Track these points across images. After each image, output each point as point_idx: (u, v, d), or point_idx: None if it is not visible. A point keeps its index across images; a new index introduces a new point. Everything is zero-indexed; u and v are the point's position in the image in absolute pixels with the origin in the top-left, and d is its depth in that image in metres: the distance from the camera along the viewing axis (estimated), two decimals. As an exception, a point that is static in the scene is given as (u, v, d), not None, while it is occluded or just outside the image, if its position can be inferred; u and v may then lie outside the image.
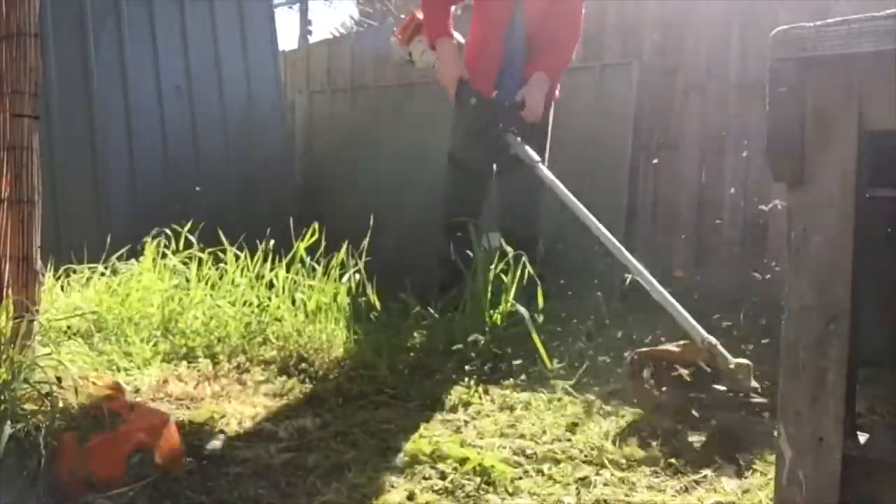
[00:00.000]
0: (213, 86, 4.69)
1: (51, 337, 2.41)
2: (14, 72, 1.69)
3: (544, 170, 2.87)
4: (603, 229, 2.48)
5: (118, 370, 2.34)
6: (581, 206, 2.58)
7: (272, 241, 3.10)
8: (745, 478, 1.64)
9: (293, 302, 2.88)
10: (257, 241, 3.13)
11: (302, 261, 2.98)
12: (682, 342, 2.00)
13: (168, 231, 3.12)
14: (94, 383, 1.58)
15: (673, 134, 4.05)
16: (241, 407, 2.08)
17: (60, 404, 1.46)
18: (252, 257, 3.05)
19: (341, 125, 5.41)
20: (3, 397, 1.46)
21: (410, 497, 1.51)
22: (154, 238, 3.07)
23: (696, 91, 3.98)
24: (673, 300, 2.13)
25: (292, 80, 5.84)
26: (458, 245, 3.12)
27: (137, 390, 2.17)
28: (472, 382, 2.28)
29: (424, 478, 1.59)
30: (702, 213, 3.93)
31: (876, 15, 0.96)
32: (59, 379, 1.53)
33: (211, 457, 1.71)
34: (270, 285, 2.97)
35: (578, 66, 4.32)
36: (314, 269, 2.99)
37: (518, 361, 2.48)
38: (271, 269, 3.00)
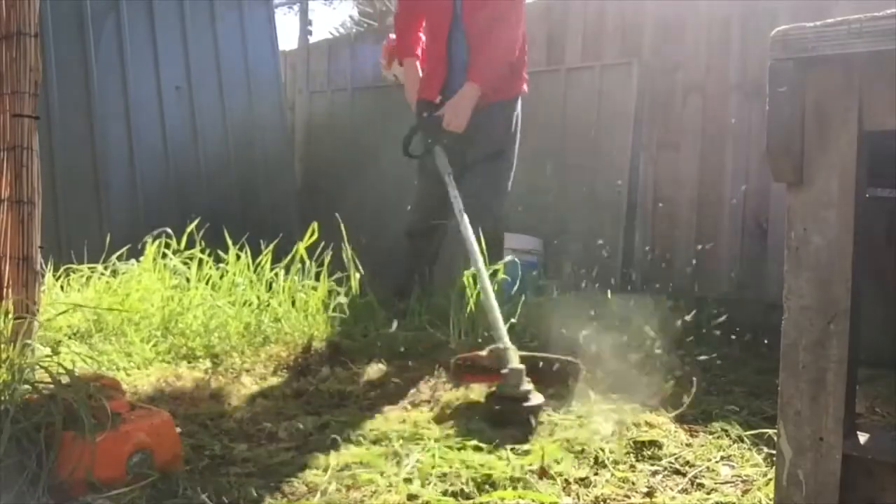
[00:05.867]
0: (213, 86, 4.70)
1: (51, 337, 2.41)
2: (14, 72, 1.69)
3: (450, 182, 2.85)
4: (475, 246, 2.55)
5: (118, 370, 2.34)
6: (468, 224, 2.62)
7: (272, 241, 3.11)
8: (745, 478, 1.64)
9: (293, 303, 2.88)
10: (258, 240, 3.13)
11: (302, 261, 2.99)
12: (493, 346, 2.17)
13: (168, 230, 3.12)
14: (94, 383, 1.58)
15: (673, 134, 4.05)
16: (241, 407, 2.08)
17: (60, 404, 1.46)
18: (253, 257, 3.05)
19: (341, 125, 5.41)
20: (3, 397, 1.46)
21: (411, 497, 1.51)
22: (154, 238, 3.07)
23: (696, 91, 3.98)
24: (495, 308, 2.29)
25: (292, 80, 5.84)
26: (416, 251, 3.22)
27: (137, 390, 2.17)
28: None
29: (424, 477, 1.59)
30: (702, 212, 3.93)
31: (876, 15, 0.96)
32: (59, 379, 1.53)
33: (211, 457, 1.71)
34: (270, 285, 2.97)
35: (578, 66, 4.34)
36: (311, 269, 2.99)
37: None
38: (271, 270, 3.00)
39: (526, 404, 1.94)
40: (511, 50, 3.11)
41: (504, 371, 2.00)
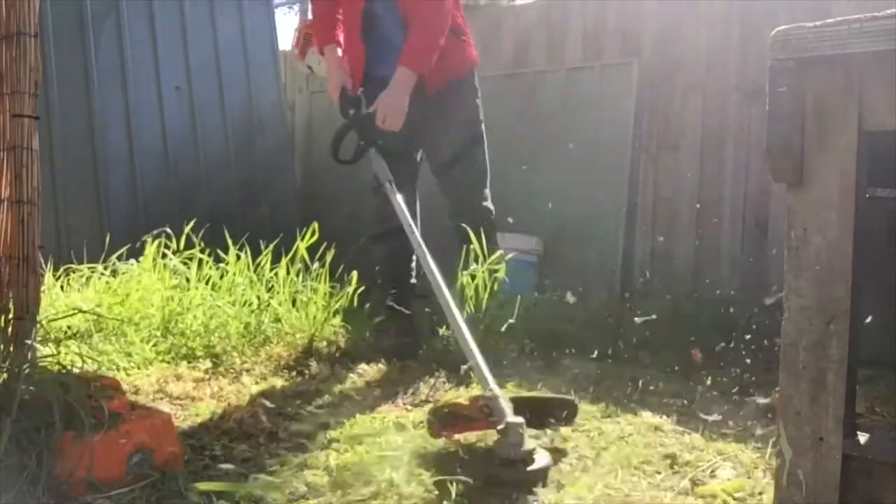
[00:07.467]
0: (213, 86, 4.69)
1: (51, 337, 2.40)
2: (14, 72, 1.69)
3: (390, 191, 2.45)
4: (430, 262, 2.14)
5: (118, 370, 2.34)
6: (418, 236, 2.28)
7: (272, 241, 3.10)
8: (745, 478, 1.64)
9: (293, 303, 2.87)
10: (258, 241, 3.13)
11: (303, 261, 2.98)
12: (476, 395, 1.77)
13: (168, 231, 3.12)
14: (94, 383, 1.58)
15: (673, 134, 4.05)
16: (241, 407, 2.08)
17: (61, 404, 1.46)
18: (253, 257, 3.05)
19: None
20: (3, 397, 1.45)
21: (410, 497, 1.51)
22: (154, 238, 3.07)
23: (696, 91, 3.98)
24: (473, 346, 1.85)
25: (292, 80, 5.84)
26: (391, 252, 2.84)
27: (137, 390, 2.17)
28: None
29: (423, 478, 1.59)
30: (702, 212, 3.93)
31: (876, 15, 0.96)
32: (59, 379, 1.53)
33: (211, 457, 1.71)
34: (271, 286, 2.97)
35: (578, 66, 4.33)
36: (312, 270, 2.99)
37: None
38: (271, 270, 2.99)
39: (531, 468, 1.57)
40: (438, 18, 2.60)
41: (500, 427, 1.60)
